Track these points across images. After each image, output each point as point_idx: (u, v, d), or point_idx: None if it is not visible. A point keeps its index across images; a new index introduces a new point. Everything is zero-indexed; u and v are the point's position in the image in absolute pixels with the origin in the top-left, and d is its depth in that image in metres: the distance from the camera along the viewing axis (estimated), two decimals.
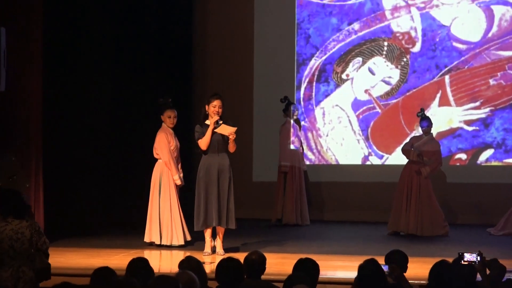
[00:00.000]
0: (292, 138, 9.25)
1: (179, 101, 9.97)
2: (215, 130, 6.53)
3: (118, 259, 6.32)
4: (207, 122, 6.67)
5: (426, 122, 8.51)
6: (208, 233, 6.69)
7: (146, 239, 7.19)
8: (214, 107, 6.58)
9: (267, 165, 10.15)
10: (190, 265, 3.73)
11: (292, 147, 9.25)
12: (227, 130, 6.50)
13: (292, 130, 9.27)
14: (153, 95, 9.50)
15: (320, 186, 10.12)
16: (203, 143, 6.61)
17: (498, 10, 9.71)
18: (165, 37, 9.87)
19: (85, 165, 8.62)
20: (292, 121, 9.32)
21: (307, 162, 9.83)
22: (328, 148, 10.24)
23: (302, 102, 10.30)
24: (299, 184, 9.23)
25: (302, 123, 10.07)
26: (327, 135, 10.25)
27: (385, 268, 3.87)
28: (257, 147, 10.35)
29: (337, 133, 10.21)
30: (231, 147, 6.64)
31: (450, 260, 4.06)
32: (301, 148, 9.41)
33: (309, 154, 10.17)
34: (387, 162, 9.98)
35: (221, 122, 6.58)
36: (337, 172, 10.14)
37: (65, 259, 6.27)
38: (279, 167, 9.26)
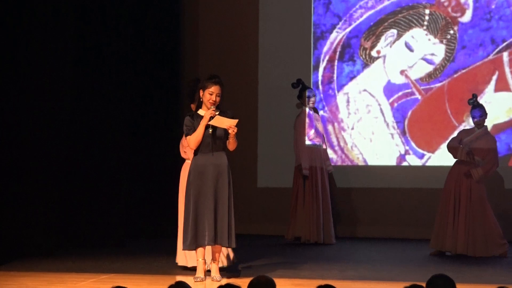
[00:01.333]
0: (307, 131, 9.23)
1: (163, 86, 10.04)
2: (209, 123, 6.49)
3: (85, 287, 6.28)
4: (201, 111, 6.64)
5: (479, 112, 8.48)
6: (200, 253, 6.65)
7: (181, 261, 7.07)
8: (210, 94, 6.54)
9: (275, 167, 10.28)
10: None
11: (308, 142, 9.23)
12: (224, 122, 6.43)
13: (307, 120, 9.25)
14: (133, 81, 9.60)
15: (343, 194, 10.18)
16: (193, 140, 6.55)
17: None
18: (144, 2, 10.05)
19: (42, 169, 8.59)
20: (307, 110, 9.30)
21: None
22: (353, 145, 10.26)
23: (320, 87, 10.33)
24: (322, 190, 9.24)
25: (321, 112, 10.09)
26: (352, 129, 10.27)
27: None
28: (263, 145, 10.42)
29: (365, 126, 10.24)
30: (231, 144, 6.57)
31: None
32: (323, 143, 9.41)
33: (329, 152, 10.12)
34: (429, 163, 10.01)
35: (217, 113, 6.54)
36: (365, 175, 10.19)
37: (18, 285, 6.22)
38: (296, 168, 9.26)
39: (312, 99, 9.35)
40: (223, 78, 6.71)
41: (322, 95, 10.27)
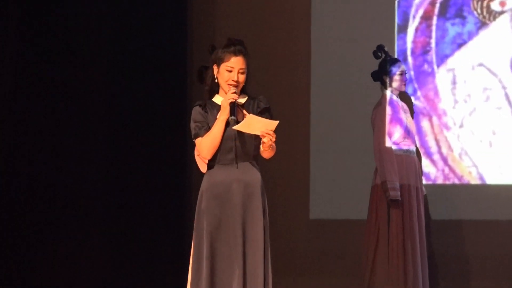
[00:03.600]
0: (390, 129, 9.05)
1: (165, 73, 10.27)
2: (234, 127, 6.39)
3: None
4: (217, 98, 6.54)
5: None
6: None
7: None
8: (229, 72, 6.44)
9: (337, 189, 10.53)
10: None
11: (393, 146, 9.07)
12: (256, 125, 6.33)
13: (389, 111, 8.97)
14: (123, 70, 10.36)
15: (445, 228, 10.35)
16: (206, 144, 6.45)
17: None
18: None
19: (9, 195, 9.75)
20: (390, 95, 8.99)
21: (423, 181, 9.57)
22: (463, 152, 10.43)
23: (410, 59, 10.49)
24: (418, 221, 9.09)
25: (412, 99, 9.79)
26: (461, 126, 10.44)
27: None
28: (318, 156, 10.64)
29: (481, 122, 10.36)
30: (266, 152, 6.48)
31: None
32: (415, 148, 9.28)
33: (425, 163, 10.14)
34: None
35: (243, 101, 6.44)
36: (481, 200, 10.34)
37: None
38: (375, 187, 9.14)
39: (399, 77, 9.09)
40: (252, 54, 6.54)
41: (412, 73, 10.40)
